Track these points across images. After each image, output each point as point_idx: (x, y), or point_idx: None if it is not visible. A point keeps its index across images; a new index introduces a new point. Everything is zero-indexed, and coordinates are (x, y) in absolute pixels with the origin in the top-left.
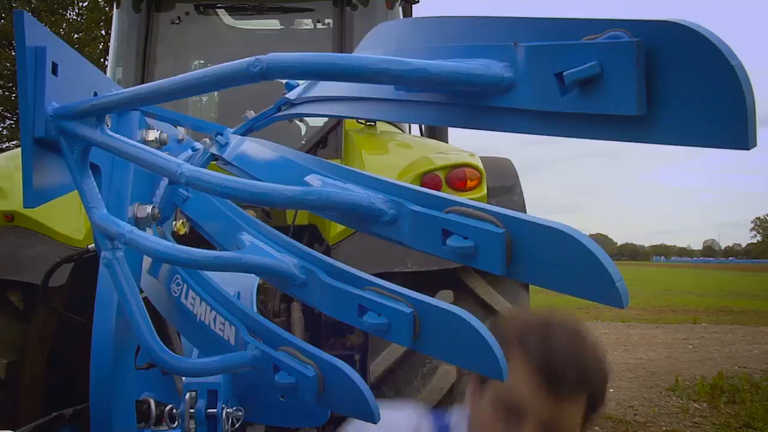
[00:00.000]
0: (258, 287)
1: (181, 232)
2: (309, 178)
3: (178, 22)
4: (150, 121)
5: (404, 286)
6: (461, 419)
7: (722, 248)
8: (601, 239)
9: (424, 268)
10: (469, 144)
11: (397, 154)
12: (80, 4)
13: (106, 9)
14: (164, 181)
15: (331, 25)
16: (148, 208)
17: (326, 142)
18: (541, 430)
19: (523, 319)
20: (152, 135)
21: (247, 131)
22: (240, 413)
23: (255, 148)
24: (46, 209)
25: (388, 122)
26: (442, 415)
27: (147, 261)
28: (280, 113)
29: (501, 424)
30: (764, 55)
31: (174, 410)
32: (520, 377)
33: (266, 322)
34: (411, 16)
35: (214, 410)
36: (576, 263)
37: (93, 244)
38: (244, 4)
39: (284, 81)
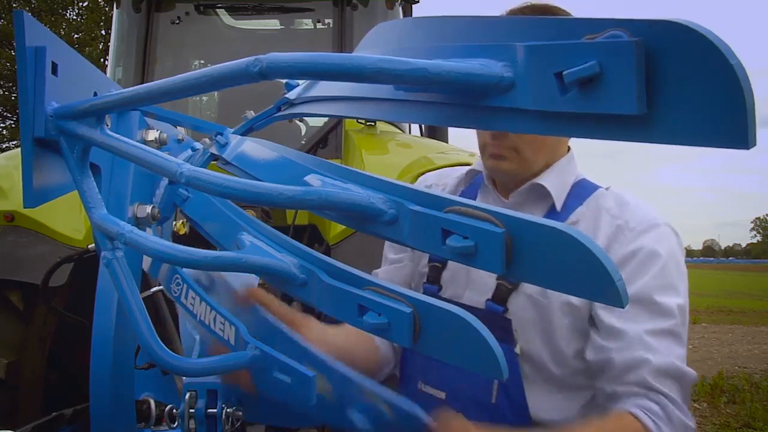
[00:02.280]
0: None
1: (181, 232)
2: (309, 178)
3: (178, 22)
4: (150, 121)
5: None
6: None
7: (722, 248)
8: None
9: None
10: (469, 144)
11: (397, 154)
12: (80, 4)
13: (106, 9)
14: (164, 181)
15: (331, 25)
16: (148, 208)
17: (326, 142)
18: None
19: None
20: (152, 135)
21: (247, 131)
22: (240, 413)
23: (255, 148)
24: (46, 209)
25: (388, 122)
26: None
27: (147, 261)
28: (280, 113)
29: None
30: (764, 55)
31: (174, 410)
32: None
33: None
34: (411, 16)
35: (214, 410)
36: (576, 263)
37: (93, 244)
38: (244, 4)
39: (284, 81)
